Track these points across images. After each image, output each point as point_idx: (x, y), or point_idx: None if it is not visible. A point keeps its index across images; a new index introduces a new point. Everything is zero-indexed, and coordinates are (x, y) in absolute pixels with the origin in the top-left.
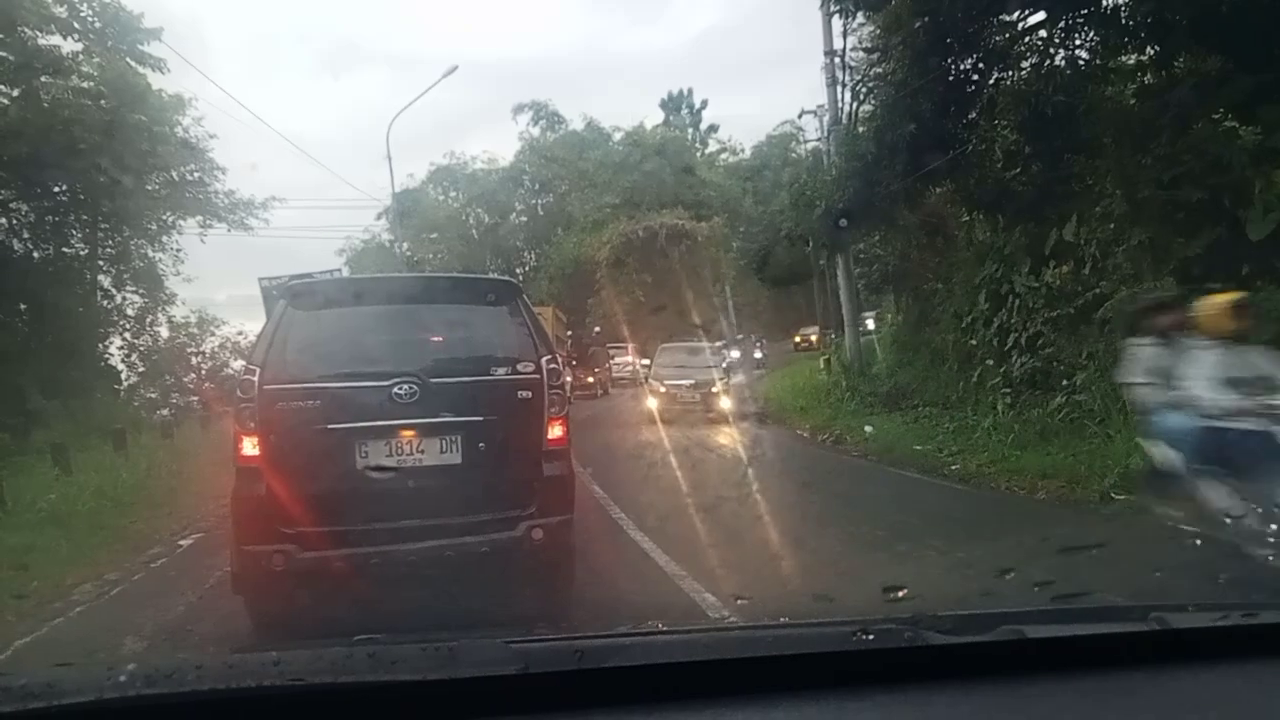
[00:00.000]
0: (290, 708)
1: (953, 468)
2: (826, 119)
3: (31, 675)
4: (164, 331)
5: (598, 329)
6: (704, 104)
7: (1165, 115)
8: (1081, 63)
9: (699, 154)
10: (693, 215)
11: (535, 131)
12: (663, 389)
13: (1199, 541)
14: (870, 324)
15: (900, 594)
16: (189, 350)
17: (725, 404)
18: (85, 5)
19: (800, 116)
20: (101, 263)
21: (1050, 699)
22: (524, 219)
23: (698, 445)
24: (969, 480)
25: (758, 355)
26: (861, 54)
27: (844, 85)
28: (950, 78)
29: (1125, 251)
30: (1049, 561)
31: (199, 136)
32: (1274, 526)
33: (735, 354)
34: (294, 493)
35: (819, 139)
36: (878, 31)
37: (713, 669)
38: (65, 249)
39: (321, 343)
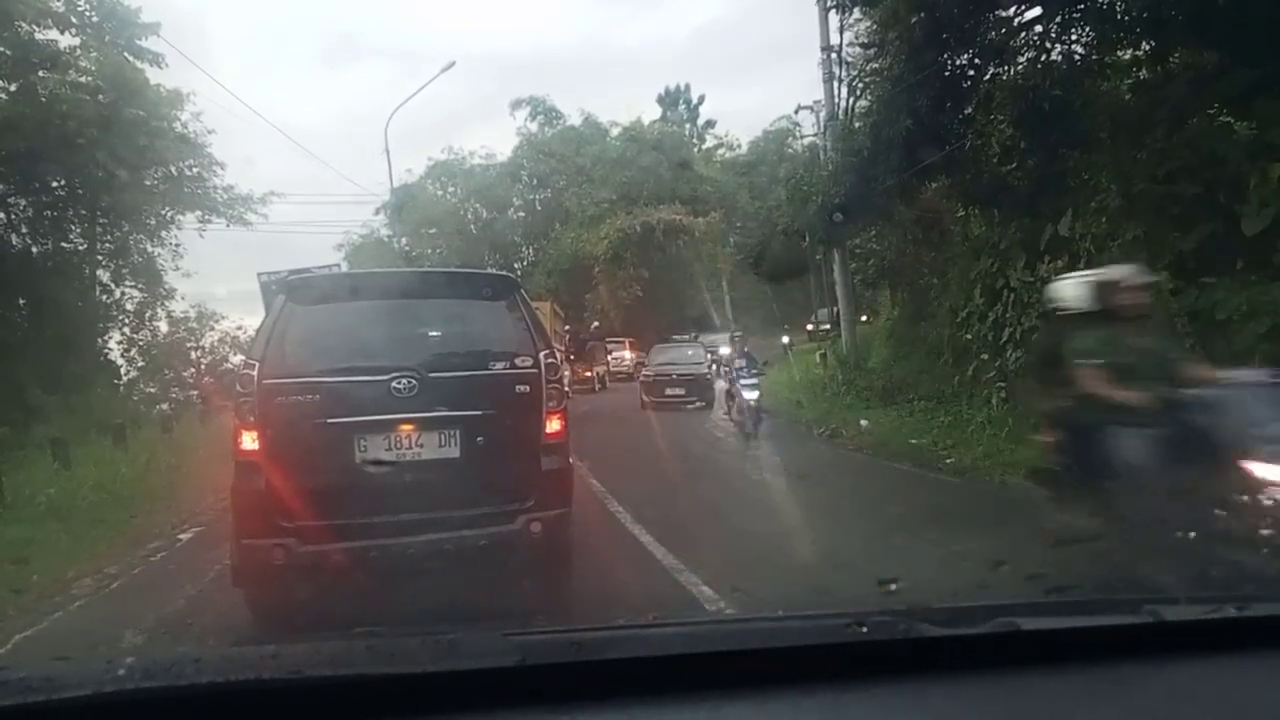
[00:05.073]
0: (289, 700)
1: (947, 461)
2: (823, 114)
3: (31, 669)
4: (163, 326)
5: (595, 324)
6: (701, 99)
7: (1161, 110)
8: (1078, 57)
9: (696, 149)
10: (690, 210)
11: (533, 127)
12: None
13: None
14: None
15: (895, 586)
16: (188, 345)
17: None
18: (83, 0)
19: (797, 112)
20: (100, 257)
21: (1044, 691)
22: (522, 214)
23: (694, 439)
24: (963, 474)
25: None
26: (858, 49)
27: (840, 80)
28: (946, 73)
29: (1120, 246)
30: (1043, 554)
31: (197, 131)
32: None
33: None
34: (293, 487)
35: (815, 134)
36: (874, 27)
37: (710, 661)
38: (64, 244)
39: (320, 337)
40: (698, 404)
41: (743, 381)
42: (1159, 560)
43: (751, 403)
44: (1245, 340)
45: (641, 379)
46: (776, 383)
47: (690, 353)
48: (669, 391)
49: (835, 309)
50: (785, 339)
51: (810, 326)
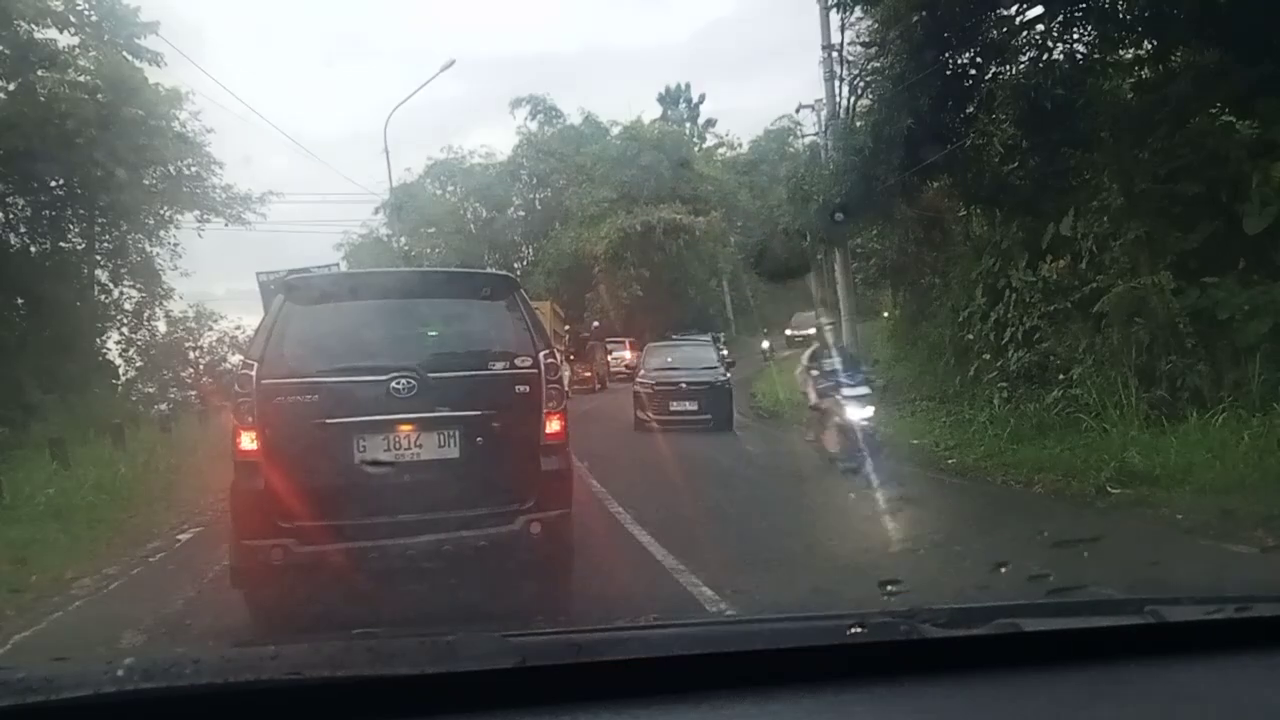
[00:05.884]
0: (288, 701)
1: (949, 461)
2: (824, 113)
3: (30, 669)
4: (162, 326)
5: (596, 323)
6: (701, 98)
7: (1163, 109)
8: (1079, 57)
9: (697, 148)
10: (690, 210)
11: (533, 126)
12: None
13: None
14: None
15: (896, 587)
16: (187, 345)
17: None
18: None
19: (798, 111)
20: (99, 257)
21: (1045, 691)
22: (521, 213)
23: (693, 441)
24: (965, 474)
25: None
26: (859, 48)
27: (842, 79)
28: (948, 72)
29: (1122, 246)
30: (1044, 555)
31: (196, 130)
32: None
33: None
34: (292, 487)
35: (816, 133)
36: (875, 25)
37: (710, 662)
38: (62, 243)
39: (319, 337)
40: (711, 421)
41: (845, 393)
42: None
43: (862, 424)
44: (1247, 339)
45: (637, 387)
46: (759, 388)
47: (700, 354)
48: (675, 406)
49: (837, 308)
50: (765, 344)
51: (790, 332)
